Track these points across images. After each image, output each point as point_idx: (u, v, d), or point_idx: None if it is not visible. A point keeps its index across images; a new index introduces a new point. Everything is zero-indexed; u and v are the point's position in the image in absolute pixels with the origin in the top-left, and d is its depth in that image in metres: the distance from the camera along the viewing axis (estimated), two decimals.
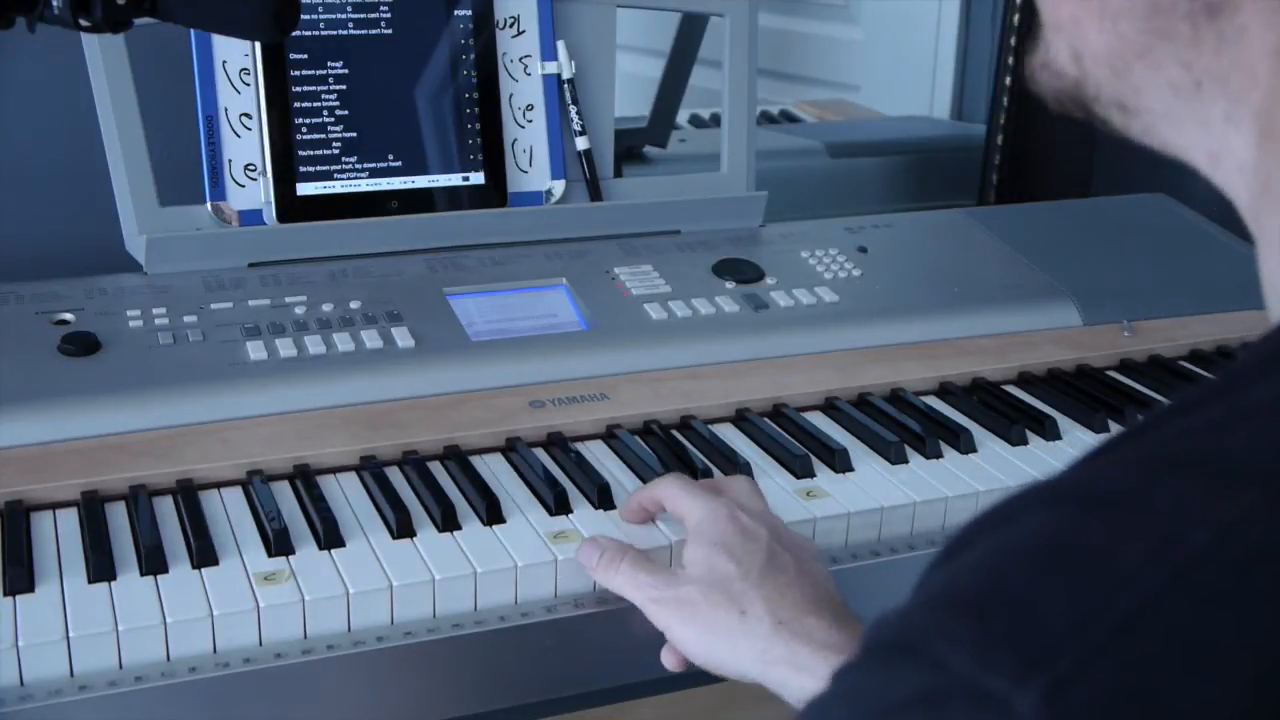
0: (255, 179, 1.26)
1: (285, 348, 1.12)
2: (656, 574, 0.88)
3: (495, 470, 1.05)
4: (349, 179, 1.28)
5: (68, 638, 0.82)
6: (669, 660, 0.89)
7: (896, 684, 0.43)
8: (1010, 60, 1.79)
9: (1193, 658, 0.39)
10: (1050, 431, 1.15)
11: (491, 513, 0.97)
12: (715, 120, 1.94)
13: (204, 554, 0.90)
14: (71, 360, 1.08)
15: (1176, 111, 0.51)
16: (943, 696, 0.41)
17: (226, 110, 1.25)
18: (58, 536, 0.93)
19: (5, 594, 0.85)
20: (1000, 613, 0.42)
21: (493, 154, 1.34)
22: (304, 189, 1.27)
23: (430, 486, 0.99)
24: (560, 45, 1.36)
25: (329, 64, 1.27)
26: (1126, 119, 0.53)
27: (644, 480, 1.03)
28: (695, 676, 0.96)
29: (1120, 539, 0.41)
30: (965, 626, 0.42)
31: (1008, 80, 1.80)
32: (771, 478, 1.06)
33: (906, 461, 1.09)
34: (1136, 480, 0.43)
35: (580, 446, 1.09)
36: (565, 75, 1.36)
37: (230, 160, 1.25)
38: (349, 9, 1.27)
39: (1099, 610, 0.40)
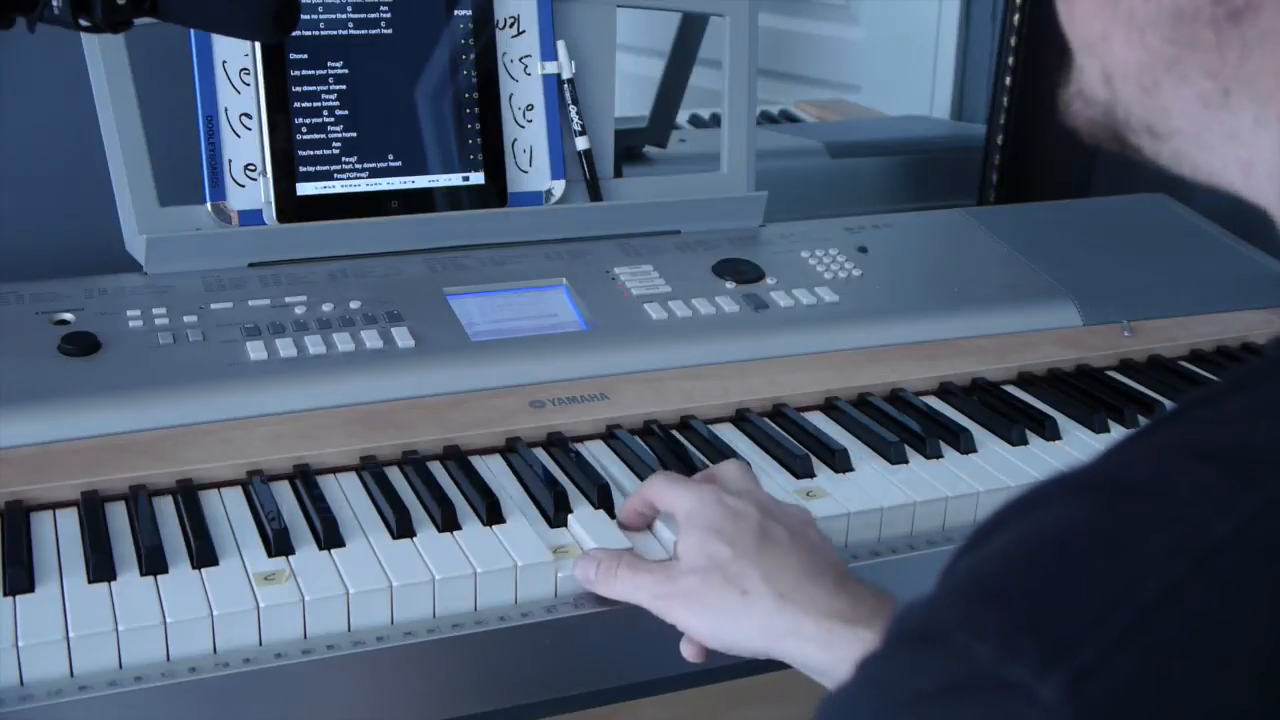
0: (255, 179, 1.26)
1: (285, 348, 1.12)
2: (655, 571, 0.89)
3: (495, 470, 1.05)
4: (349, 179, 1.28)
5: (68, 638, 0.82)
6: (688, 651, 0.89)
7: (922, 674, 0.43)
8: (1010, 60, 1.79)
9: (1213, 648, 0.39)
10: (1050, 431, 1.15)
11: (491, 513, 0.97)
12: (715, 120, 1.94)
13: (204, 554, 0.90)
14: (71, 360, 1.08)
15: (1205, 128, 0.51)
16: (968, 686, 0.41)
17: (226, 110, 1.25)
18: (58, 536, 0.93)
19: (5, 594, 0.85)
20: (1023, 602, 0.42)
21: (493, 154, 1.33)
22: (304, 189, 1.27)
23: (430, 486, 0.99)
24: (560, 45, 1.36)
25: (329, 64, 1.27)
26: (1157, 145, 0.53)
27: (644, 480, 1.03)
28: (695, 676, 0.97)
29: (1142, 529, 0.42)
30: (989, 616, 0.42)
31: (1008, 80, 1.80)
32: (771, 478, 1.06)
33: (906, 461, 1.09)
34: (1160, 470, 0.44)
35: (580, 446, 1.09)
36: (565, 75, 1.36)
37: (230, 160, 1.25)
38: (349, 9, 1.27)
39: (1120, 600, 0.40)
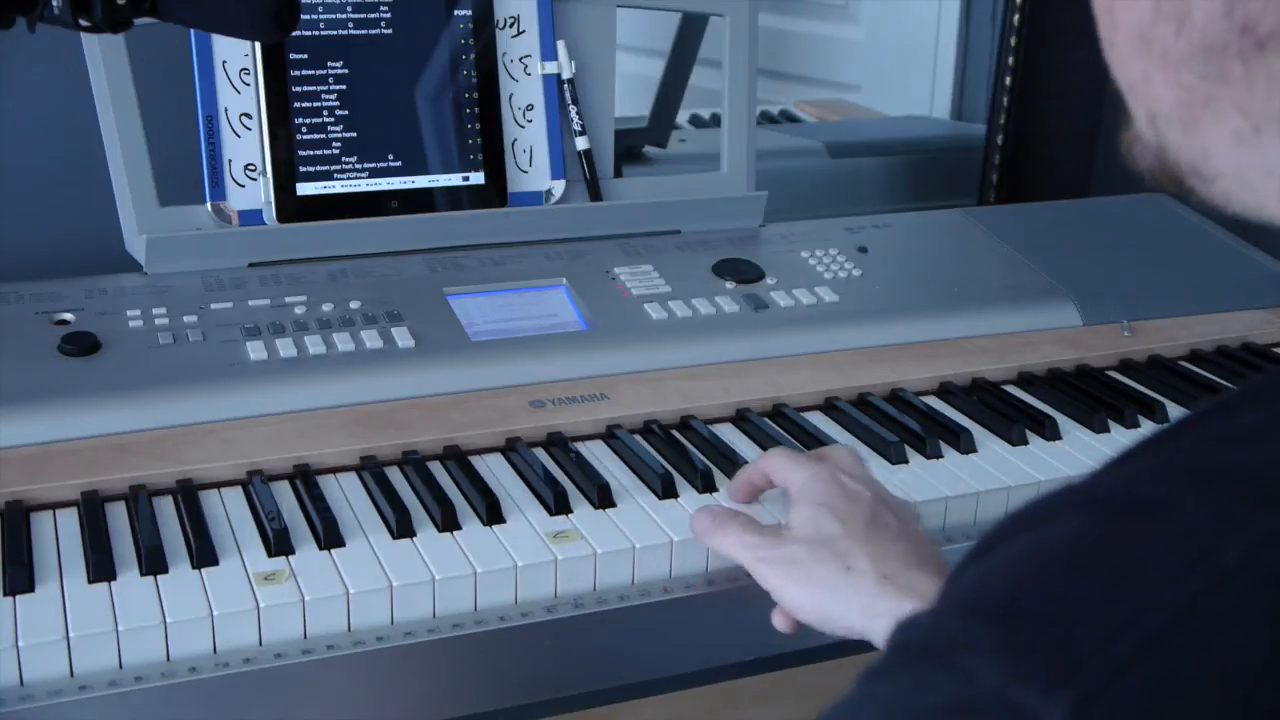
0: (255, 179, 1.26)
1: (285, 348, 1.12)
2: (764, 535, 0.91)
3: (495, 470, 1.05)
4: (349, 179, 1.28)
5: (68, 638, 0.82)
6: (779, 622, 0.91)
7: (926, 691, 0.43)
8: (1010, 60, 1.79)
9: (1220, 675, 0.39)
10: (1050, 431, 1.15)
11: (491, 513, 0.97)
12: (715, 120, 1.94)
13: (204, 554, 0.90)
14: (71, 360, 1.08)
15: (1243, 166, 0.51)
16: (974, 706, 0.41)
17: (226, 110, 1.25)
18: (58, 536, 0.93)
19: (5, 594, 0.85)
20: (1028, 621, 0.42)
21: (493, 154, 1.34)
22: (304, 189, 1.27)
23: (430, 486, 0.99)
24: (560, 45, 1.36)
25: (329, 64, 1.27)
26: (1207, 187, 0.53)
27: (644, 480, 1.03)
28: (695, 676, 0.97)
29: (1151, 551, 0.41)
30: (994, 634, 0.42)
31: (1008, 80, 1.80)
32: None
33: (906, 461, 1.09)
34: (1171, 490, 0.43)
35: (580, 446, 1.09)
36: (565, 75, 1.36)
37: (230, 160, 1.25)
38: (349, 9, 1.27)
39: (1127, 624, 0.40)
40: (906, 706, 0.43)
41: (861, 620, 0.84)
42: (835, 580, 0.86)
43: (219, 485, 1.00)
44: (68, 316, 1.14)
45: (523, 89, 1.36)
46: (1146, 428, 1.19)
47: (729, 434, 1.13)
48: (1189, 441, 0.46)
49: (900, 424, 1.14)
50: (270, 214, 1.26)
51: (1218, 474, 0.43)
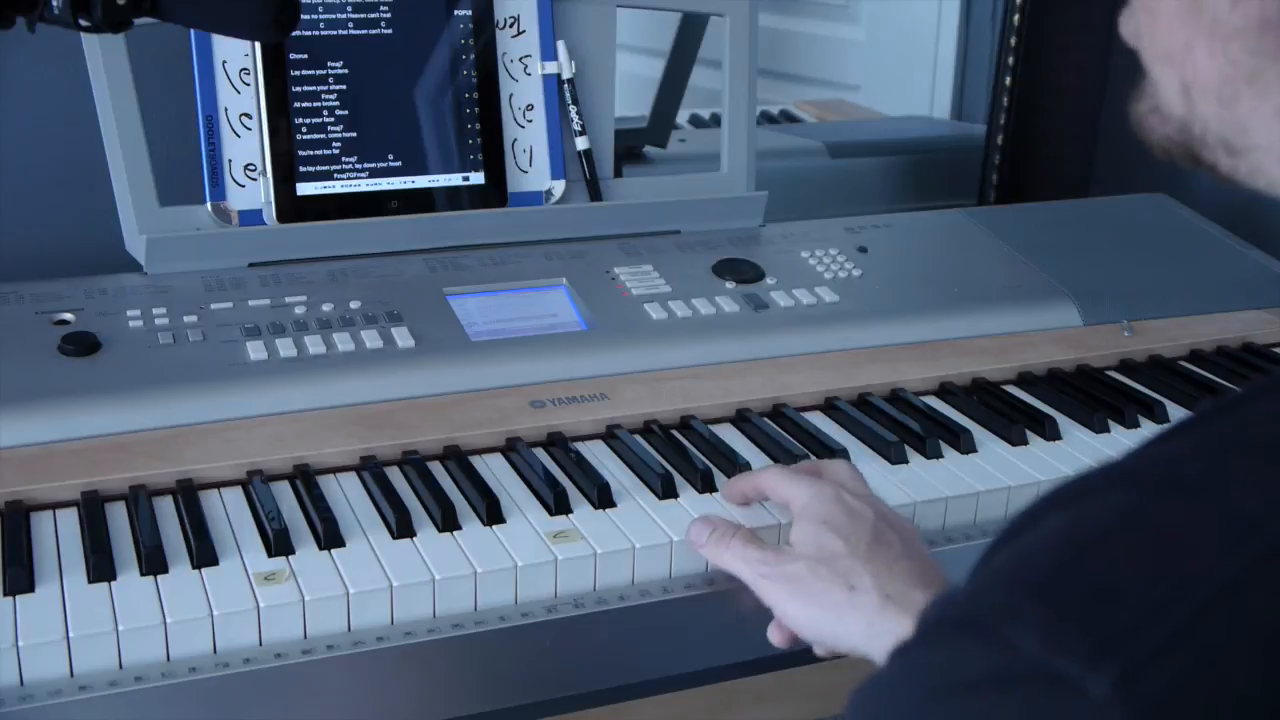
0: (255, 179, 1.26)
1: (285, 348, 1.12)
2: (766, 550, 0.90)
3: (495, 470, 1.05)
4: (349, 179, 1.28)
5: (68, 638, 0.82)
6: (775, 637, 0.90)
7: (965, 663, 0.43)
8: (1010, 60, 1.79)
9: (1267, 647, 0.39)
10: (1050, 431, 1.15)
11: (491, 513, 0.97)
12: (715, 120, 1.94)
13: (204, 554, 0.90)
14: (71, 360, 1.08)
15: None
16: (1014, 678, 0.41)
17: (226, 110, 1.25)
18: (58, 536, 0.93)
19: (5, 594, 0.85)
20: (1072, 595, 0.42)
21: (493, 154, 1.33)
22: (304, 189, 1.26)
23: (430, 486, 0.99)
24: (560, 45, 1.36)
25: (329, 64, 1.27)
26: (1234, 160, 0.53)
27: (644, 480, 1.03)
28: (695, 676, 0.97)
29: (1195, 526, 0.42)
30: (1036, 607, 0.42)
31: (1008, 80, 1.80)
32: None
33: (906, 461, 1.09)
34: (1212, 466, 0.44)
35: (580, 446, 1.09)
36: (565, 75, 1.36)
37: (230, 160, 1.25)
38: (349, 9, 1.27)
39: (1173, 598, 0.40)
40: (946, 679, 0.43)
41: (864, 640, 0.84)
42: (838, 599, 0.85)
43: (219, 485, 1.00)
44: (68, 316, 1.14)
45: (523, 89, 1.36)
46: (1147, 428, 1.19)
47: (729, 434, 1.13)
48: (1228, 423, 0.46)
49: (900, 424, 1.14)
50: (270, 214, 1.26)
51: (1260, 452, 0.43)
